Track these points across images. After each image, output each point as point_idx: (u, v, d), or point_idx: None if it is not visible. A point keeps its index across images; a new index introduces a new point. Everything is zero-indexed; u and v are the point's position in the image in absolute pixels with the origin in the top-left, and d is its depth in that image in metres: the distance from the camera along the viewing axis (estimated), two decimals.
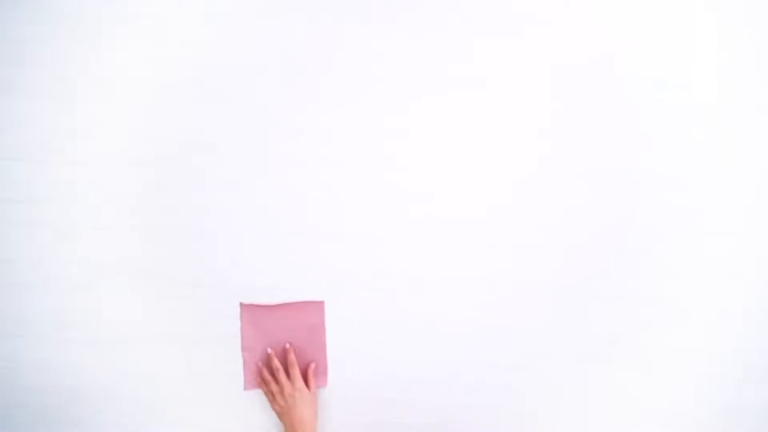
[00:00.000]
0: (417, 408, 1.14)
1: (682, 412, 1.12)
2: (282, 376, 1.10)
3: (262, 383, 1.13)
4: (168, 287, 1.15)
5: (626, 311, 1.12)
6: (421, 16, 1.13)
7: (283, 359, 1.12)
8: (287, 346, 1.12)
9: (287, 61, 1.15)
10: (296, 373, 1.10)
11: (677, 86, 1.11)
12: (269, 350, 1.13)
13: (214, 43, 1.15)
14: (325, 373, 1.14)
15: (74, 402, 1.17)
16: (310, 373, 1.12)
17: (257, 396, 1.15)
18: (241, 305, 1.14)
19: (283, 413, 1.09)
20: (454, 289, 1.14)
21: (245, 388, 1.15)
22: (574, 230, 1.13)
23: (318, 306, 1.14)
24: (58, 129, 1.16)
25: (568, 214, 1.13)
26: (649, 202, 1.12)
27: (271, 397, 1.11)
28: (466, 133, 1.14)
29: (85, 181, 1.16)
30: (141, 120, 1.16)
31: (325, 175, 1.15)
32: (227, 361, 1.15)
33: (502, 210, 1.13)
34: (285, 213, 1.15)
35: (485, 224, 1.13)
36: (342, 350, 1.15)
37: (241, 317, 1.14)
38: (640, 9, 1.12)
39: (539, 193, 1.13)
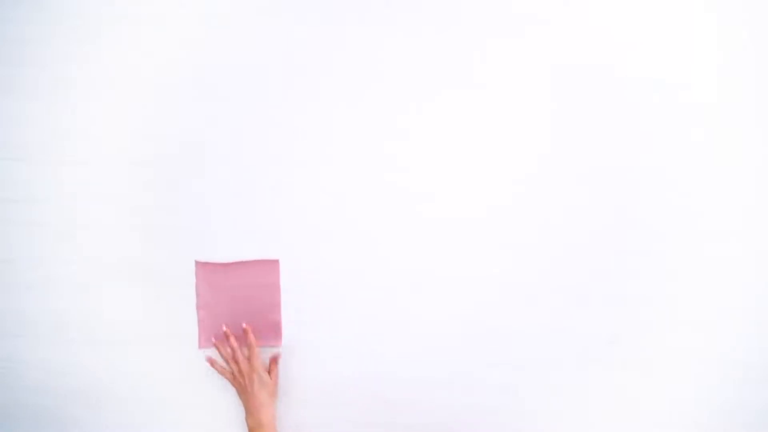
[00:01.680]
0: (417, 408, 1.14)
1: (682, 412, 1.12)
2: (240, 355, 1.10)
3: (221, 363, 1.13)
4: (168, 287, 1.15)
5: (626, 311, 1.12)
6: (421, 16, 1.13)
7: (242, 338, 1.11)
8: (244, 326, 1.11)
9: (287, 61, 1.15)
10: (255, 354, 1.10)
11: (677, 86, 1.11)
12: (224, 328, 1.12)
13: (214, 43, 1.15)
14: (279, 332, 1.14)
15: (74, 402, 1.17)
16: (272, 363, 1.12)
17: None
18: (197, 263, 1.14)
19: (242, 392, 1.10)
20: (454, 289, 1.14)
21: (200, 346, 1.15)
22: (574, 230, 1.13)
23: (273, 264, 1.14)
24: (58, 129, 1.16)
25: (568, 214, 1.13)
26: (649, 202, 1.12)
27: (230, 376, 1.11)
28: (466, 132, 1.14)
29: (85, 181, 1.16)
30: (141, 120, 1.16)
31: (325, 175, 1.15)
32: None
33: (503, 210, 1.13)
34: (285, 213, 1.15)
35: (485, 224, 1.13)
36: (342, 350, 1.15)
37: (197, 275, 1.14)
38: (640, 9, 1.12)
39: (539, 193, 1.13)
